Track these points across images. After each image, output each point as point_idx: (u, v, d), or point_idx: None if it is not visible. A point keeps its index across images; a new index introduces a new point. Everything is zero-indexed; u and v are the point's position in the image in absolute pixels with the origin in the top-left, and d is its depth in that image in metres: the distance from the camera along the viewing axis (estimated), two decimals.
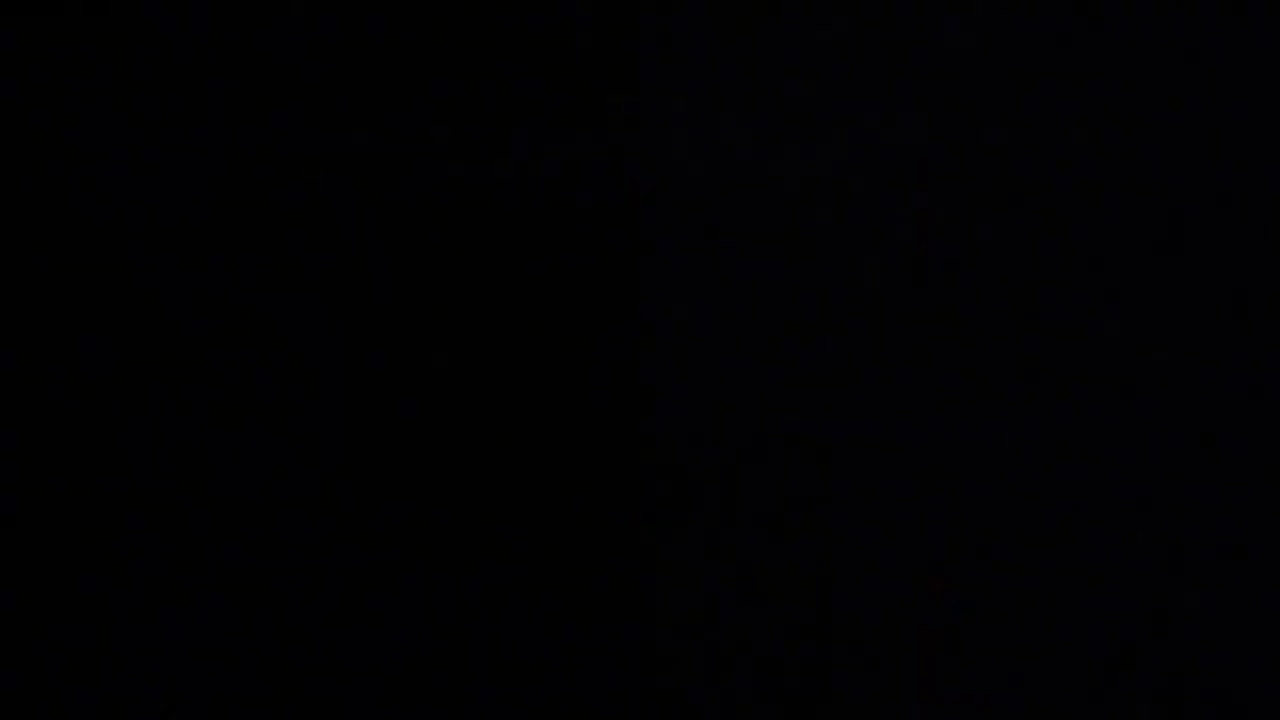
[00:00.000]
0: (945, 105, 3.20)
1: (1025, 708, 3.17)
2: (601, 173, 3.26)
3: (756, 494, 3.19)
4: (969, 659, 3.18)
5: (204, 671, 3.31)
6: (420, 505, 3.29)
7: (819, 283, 3.21)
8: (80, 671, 3.32)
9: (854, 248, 3.20)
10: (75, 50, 3.32)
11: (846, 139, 3.20)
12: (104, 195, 3.33)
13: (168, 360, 3.33)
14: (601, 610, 3.24)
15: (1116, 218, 3.17)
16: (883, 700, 3.19)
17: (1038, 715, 3.17)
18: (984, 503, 3.19)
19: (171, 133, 3.33)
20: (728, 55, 3.22)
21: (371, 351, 3.30)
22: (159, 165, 3.34)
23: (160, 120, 3.34)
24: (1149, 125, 3.15)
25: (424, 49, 3.30)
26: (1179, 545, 3.15)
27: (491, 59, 3.28)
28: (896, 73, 3.20)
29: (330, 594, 3.30)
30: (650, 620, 3.21)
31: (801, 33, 3.22)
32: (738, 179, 3.22)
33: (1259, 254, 3.12)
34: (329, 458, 3.30)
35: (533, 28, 3.27)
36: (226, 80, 3.32)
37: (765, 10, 3.21)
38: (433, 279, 3.30)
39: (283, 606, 3.30)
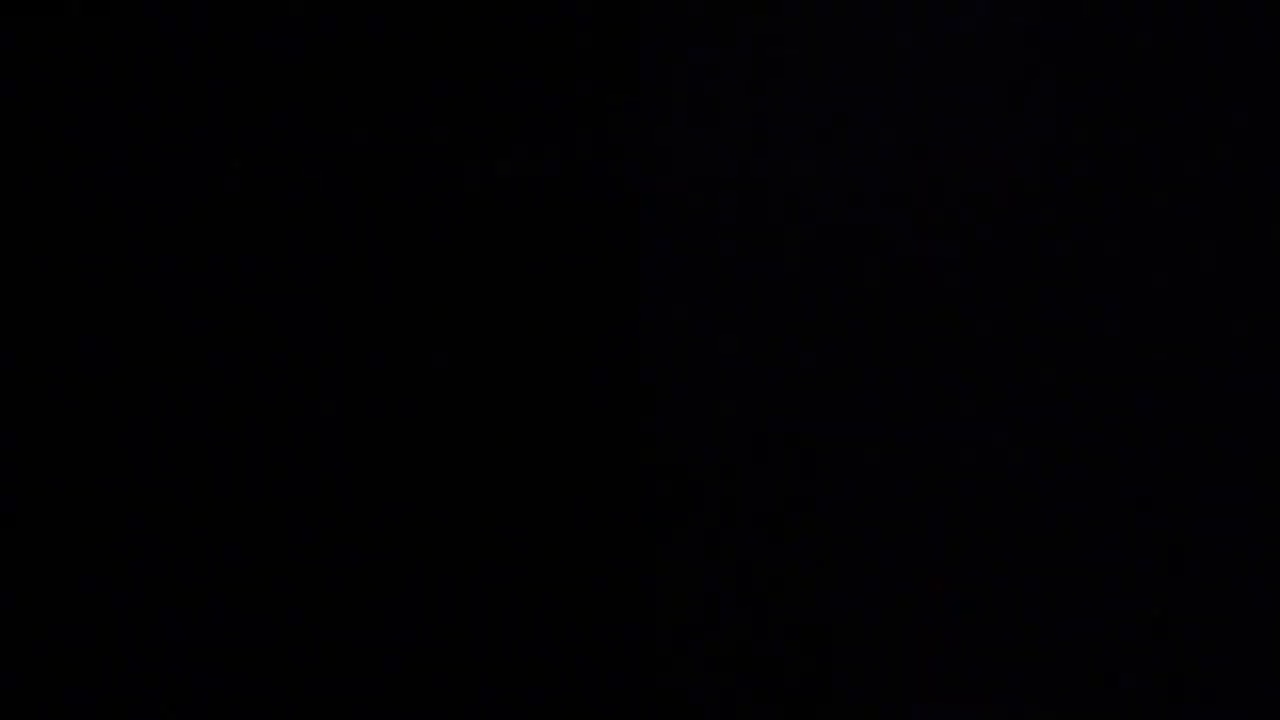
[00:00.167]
0: (943, 107, 3.20)
1: (1024, 708, 3.17)
2: (601, 175, 3.27)
3: (755, 494, 3.19)
4: (969, 658, 3.19)
5: (206, 671, 3.31)
6: (421, 505, 3.29)
7: (817, 283, 3.21)
8: (79, 672, 3.32)
9: (852, 249, 3.20)
10: (75, 50, 3.32)
11: (845, 141, 3.21)
12: (104, 195, 3.33)
13: (168, 360, 3.33)
14: (601, 610, 3.24)
15: (1116, 217, 3.18)
16: (882, 699, 3.20)
17: (1036, 715, 3.17)
18: (982, 502, 3.19)
19: (171, 135, 3.34)
20: (726, 58, 3.22)
21: (371, 352, 3.30)
22: (158, 166, 3.34)
23: (160, 122, 3.34)
24: (1138, 125, 3.16)
25: (424, 50, 3.30)
26: (1179, 543, 3.15)
27: (491, 61, 3.29)
28: (893, 76, 3.21)
29: (331, 594, 3.30)
30: (650, 620, 3.21)
31: (800, 35, 3.22)
32: (736, 180, 3.22)
33: (1259, 254, 3.13)
34: (330, 459, 3.31)
35: (533, 30, 3.27)
36: (226, 82, 3.32)
37: (764, 12, 3.22)
38: (432, 281, 3.30)
39: (283, 606, 3.30)
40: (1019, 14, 3.19)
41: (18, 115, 3.33)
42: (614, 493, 3.24)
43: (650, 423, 3.21)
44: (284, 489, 3.30)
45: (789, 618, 3.19)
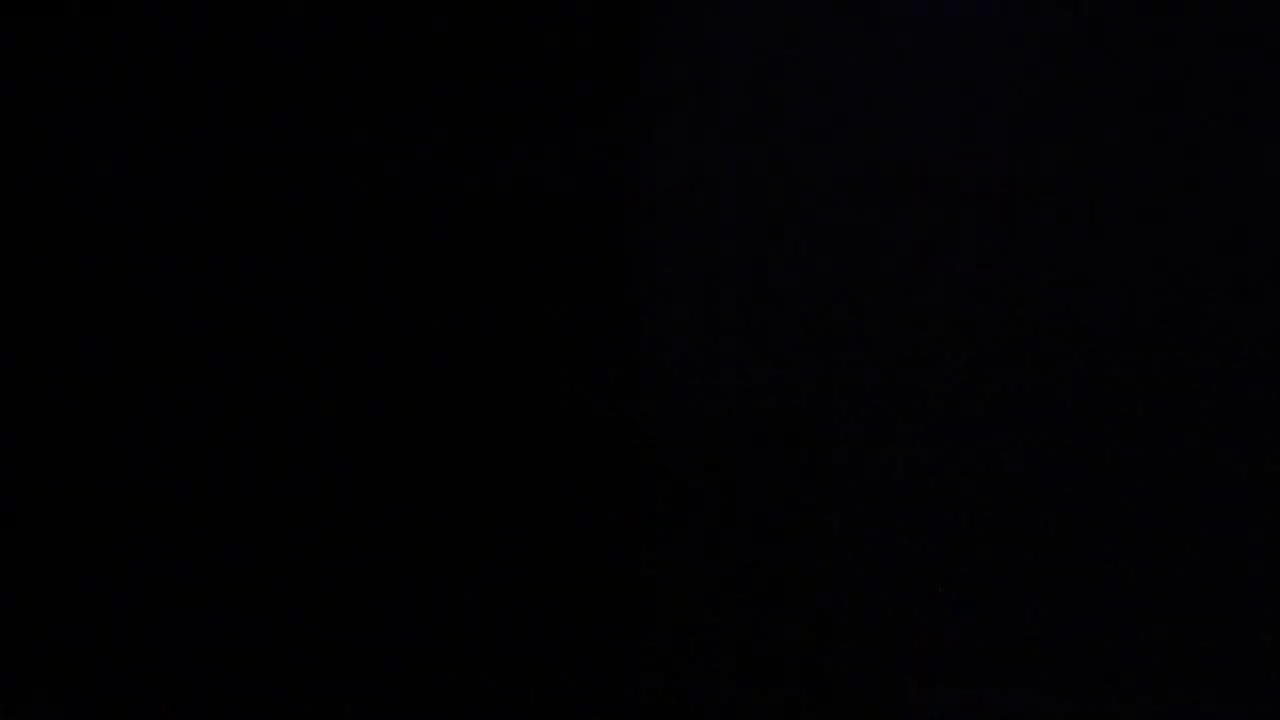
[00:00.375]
0: (944, 108, 3.20)
1: (1023, 706, 3.18)
2: (599, 178, 3.27)
3: (756, 493, 3.20)
4: (968, 657, 3.19)
5: (207, 671, 3.31)
6: (420, 505, 3.29)
7: (817, 283, 3.21)
8: (80, 671, 3.32)
9: (852, 248, 3.20)
10: (75, 50, 3.33)
11: (844, 143, 3.21)
12: (103, 195, 3.34)
13: (166, 359, 3.33)
14: (600, 609, 3.24)
15: (1116, 217, 3.18)
16: (881, 698, 3.20)
17: (1035, 713, 3.17)
18: (982, 502, 3.19)
19: (171, 137, 3.34)
20: (726, 61, 3.22)
21: (371, 353, 3.30)
22: (158, 168, 3.34)
23: (160, 123, 3.34)
24: (1134, 127, 3.16)
25: (424, 51, 3.30)
26: (1179, 542, 3.15)
27: (491, 61, 3.29)
28: (891, 78, 3.21)
29: (330, 594, 3.30)
30: (650, 620, 3.21)
31: (799, 37, 3.22)
32: (735, 182, 3.22)
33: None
34: (330, 460, 3.31)
35: (533, 31, 3.27)
36: (226, 82, 3.33)
37: (763, 15, 3.22)
38: (432, 281, 3.30)
39: (283, 606, 3.30)
40: (1018, 13, 3.19)
41: (18, 115, 3.34)
42: (613, 492, 3.24)
43: (649, 424, 3.21)
44: (282, 488, 3.30)
45: (787, 617, 3.19)
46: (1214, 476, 3.15)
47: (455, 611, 3.28)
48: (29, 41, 3.31)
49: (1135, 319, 3.16)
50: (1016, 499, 3.18)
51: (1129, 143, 3.16)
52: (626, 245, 3.25)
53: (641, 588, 3.22)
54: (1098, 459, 3.17)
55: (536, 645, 3.26)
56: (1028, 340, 3.17)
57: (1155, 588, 3.15)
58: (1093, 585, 3.17)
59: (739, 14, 3.22)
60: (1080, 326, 3.17)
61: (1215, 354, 3.14)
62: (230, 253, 3.32)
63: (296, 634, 3.29)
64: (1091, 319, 3.17)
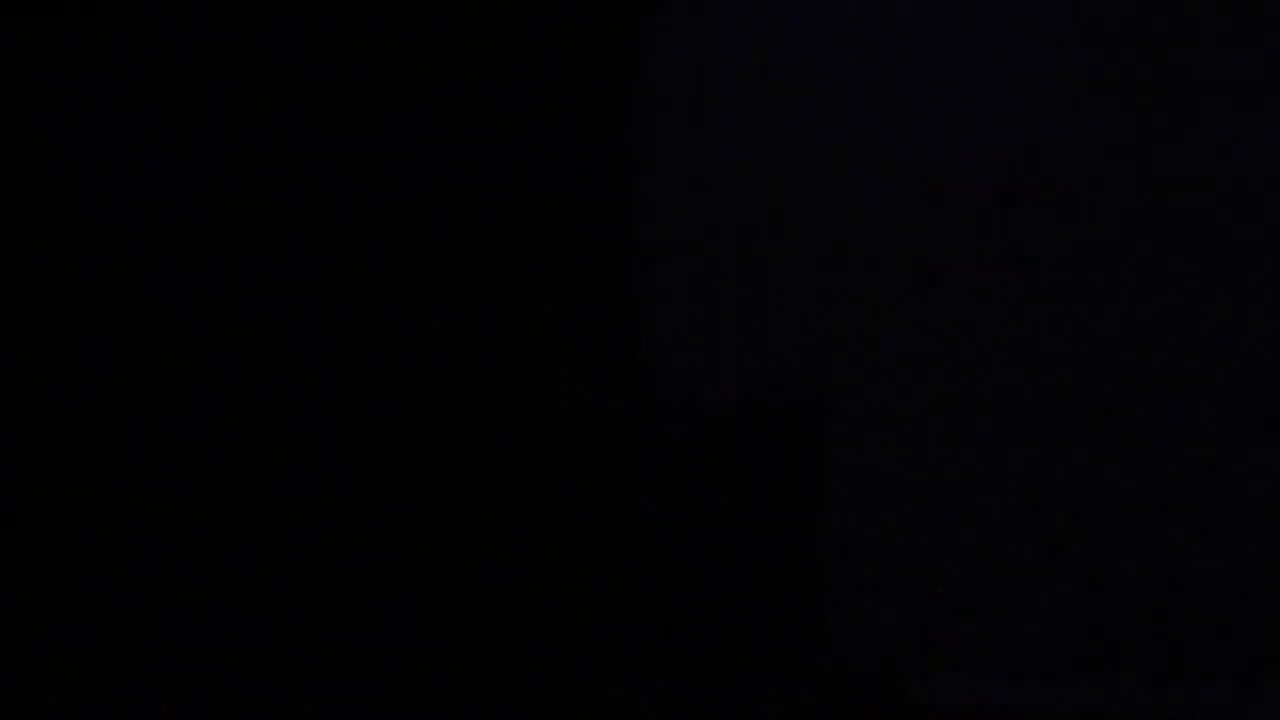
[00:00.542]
0: (941, 107, 3.20)
1: (1020, 697, 3.18)
2: (599, 178, 3.27)
3: (756, 493, 3.19)
4: (968, 656, 3.19)
5: (207, 670, 3.31)
6: (420, 504, 3.29)
7: (816, 283, 3.21)
8: (80, 671, 3.32)
9: (852, 249, 3.20)
10: (75, 50, 3.32)
11: (843, 142, 3.21)
12: (103, 195, 3.33)
13: (168, 360, 3.33)
14: (599, 608, 3.25)
15: (1118, 218, 3.18)
16: (880, 697, 3.20)
17: (1033, 704, 3.17)
18: (981, 502, 3.19)
19: (171, 136, 3.34)
20: (726, 60, 3.22)
21: (371, 352, 3.30)
22: (158, 167, 3.34)
23: (159, 123, 3.34)
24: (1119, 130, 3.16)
25: (423, 51, 3.30)
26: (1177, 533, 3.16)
27: (492, 63, 3.29)
28: (891, 77, 3.21)
29: (330, 594, 3.30)
30: (650, 618, 3.21)
31: (798, 37, 3.22)
32: (735, 182, 3.22)
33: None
34: (330, 460, 3.31)
35: (533, 33, 3.27)
36: (226, 83, 3.32)
37: (762, 14, 3.22)
38: (431, 281, 3.30)
39: (283, 606, 3.30)
40: (1019, 13, 3.18)
41: (17, 115, 3.34)
42: (612, 492, 3.24)
43: (650, 423, 3.21)
44: (282, 489, 3.30)
45: (786, 615, 3.19)
46: (1213, 470, 3.15)
47: (454, 610, 3.28)
48: (29, 41, 3.31)
49: (1135, 318, 3.15)
50: (1016, 497, 3.18)
51: (1129, 142, 3.15)
52: (626, 245, 3.25)
53: (641, 586, 3.22)
54: (1096, 453, 3.17)
55: (537, 644, 3.26)
56: (1027, 339, 3.17)
57: (1154, 578, 3.15)
58: (1091, 578, 3.17)
59: (739, 13, 3.21)
60: (1080, 326, 3.17)
61: (1215, 351, 3.14)
62: (230, 252, 3.32)
63: (297, 634, 3.29)
64: (1091, 319, 3.17)
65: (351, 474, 3.29)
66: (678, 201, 3.22)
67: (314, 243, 3.30)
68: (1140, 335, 3.15)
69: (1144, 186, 3.14)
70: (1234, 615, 3.13)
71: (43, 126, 3.33)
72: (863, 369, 3.20)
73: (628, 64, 3.25)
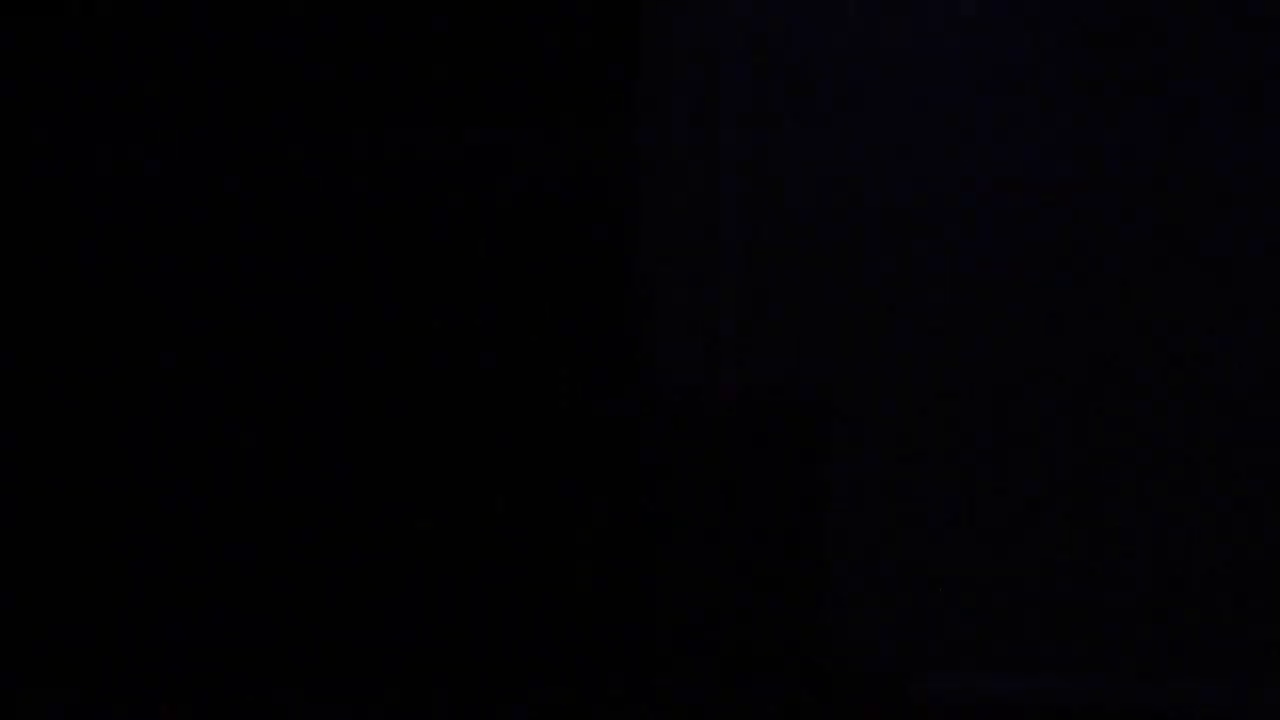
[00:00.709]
0: (943, 106, 3.20)
1: (1022, 692, 3.18)
2: (599, 178, 3.26)
3: (756, 494, 3.19)
4: (967, 655, 3.19)
5: (208, 670, 3.31)
6: (421, 504, 3.29)
7: (816, 283, 3.21)
8: (79, 671, 3.32)
9: (852, 248, 3.20)
10: (75, 50, 3.32)
11: (844, 141, 3.20)
12: (102, 195, 3.33)
13: (168, 360, 3.33)
14: (600, 608, 3.24)
15: (1117, 218, 3.18)
16: (880, 696, 3.20)
17: (1035, 698, 3.17)
18: (981, 503, 3.19)
19: (170, 136, 3.33)
20: (726, 58, 3.22)
21: (371, 354, 3.30)
22: (157, 167, 3.33)
23: (159, 122, 3.33)
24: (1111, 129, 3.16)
25: (423, 51, 3.30)
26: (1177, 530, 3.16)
27: (492, 63, 3.28)
28: (892, 76, 3.20)
29: (331, 594, 3.30)
30: (650, 618, 3.21)
31: (798, 36, 3.22)
32: (735, 183, 3.22)
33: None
34: (330, 460, 3.30)
35: (533, 33, 3.27)
36: (225, 82, 3.32)
37: (763, 12, 3.21)
38: (431, 283, 3.29)
39: (283, 606, 3.30)
40: (1019, 12, 3.18)
41: (17, 115, 3.33)
42: (612, 492, 3.24)
43: (650, 423, 3.21)
44: (282, 489, 3.30)
45: (786, 615, 3.19)
46: (1213, 469, 3.15)
47: (454, 610, 3.28)
48: (29, 41, 3.30)
49: (1135, 318, 3.15)
50: (1016, 497, 3.18)
51: (1129, 142, 3.15)
52: (626, 245, 3.25)
53: (641, 586, 3.22)
54: (1096, 452, 3.17)
55: (537, 644, 3.26)
56: (1027, 339, 3.17)
57: (1154, 577, 3.15)
58: (1091, 577, 3.17)
59: (740, 13, 3.21)
60: (1080, 326, 3.17)
61: (1215, 351, 3.14)
62: (229, 252, 3.32)
63: (297, 634, 3.29)
64: (1091, 319, 3.16)
65: (351, 474, 3.29)
66: (678, 201, 3.22)
67: (313, 242, 3.30)
68: (1140, 335, 3.15)
69: (1143, 186, 3.14)
70: (1234, 614, 3.13)
71: (43, 126, 3.32)
72: (863, 369, 3.20)
73: (628, 63, 3.24)
